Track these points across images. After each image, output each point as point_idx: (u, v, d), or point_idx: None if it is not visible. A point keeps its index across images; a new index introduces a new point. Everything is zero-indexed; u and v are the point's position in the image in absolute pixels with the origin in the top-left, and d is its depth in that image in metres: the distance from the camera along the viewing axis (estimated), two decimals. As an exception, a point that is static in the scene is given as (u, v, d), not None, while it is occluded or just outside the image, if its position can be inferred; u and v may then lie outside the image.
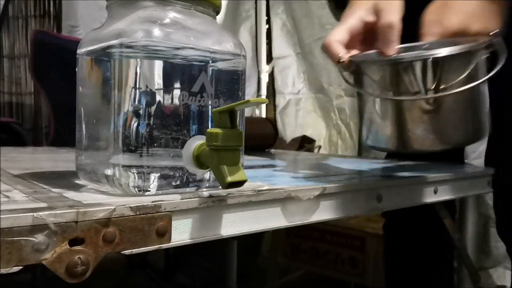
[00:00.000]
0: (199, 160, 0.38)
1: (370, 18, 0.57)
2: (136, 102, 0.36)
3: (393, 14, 0.55)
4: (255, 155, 0.96)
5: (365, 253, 1.45)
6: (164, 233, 0.35)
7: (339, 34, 0.58)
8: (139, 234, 0.34)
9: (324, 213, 0.49)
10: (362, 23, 0.58)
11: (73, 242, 0.30)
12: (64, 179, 0.47)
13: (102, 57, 0.39)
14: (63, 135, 1.50)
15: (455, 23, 0.55)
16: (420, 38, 0.56)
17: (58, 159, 0.79)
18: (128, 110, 0.36)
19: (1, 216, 0.28)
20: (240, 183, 0.37)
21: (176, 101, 0.38)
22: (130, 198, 0.35)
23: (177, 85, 0.38)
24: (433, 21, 0.56)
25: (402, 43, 0.56)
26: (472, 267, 0.80)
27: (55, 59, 1.56)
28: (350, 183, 0.53)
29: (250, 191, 0.41)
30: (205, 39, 0.40)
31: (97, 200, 0.34)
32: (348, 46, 0.59)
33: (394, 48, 0.55)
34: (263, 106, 2.43)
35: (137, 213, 0.33)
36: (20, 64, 1.95)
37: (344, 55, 0.57)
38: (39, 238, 0.29)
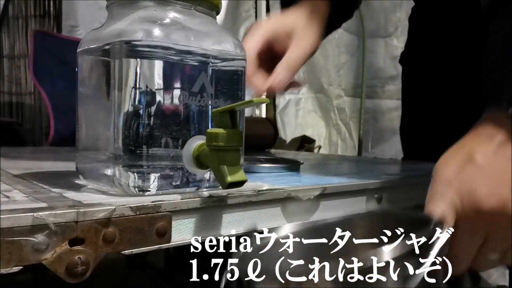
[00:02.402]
0: (199, 160, 0.38)
1: (279, 41, 0.53)
2: (136, 102, 0.36)
3: (300, 48, 0.50)
4: (255, 155, 0.96)
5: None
6: (164, 233, 0.35)
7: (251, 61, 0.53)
8: (139, 234, 0.34)
9: (324, 213, 0.48)
10: (267, 44, 0.53)
11: (73, 242, 0.30)
12: (64, 179, 0.47)
13: (102, 57, 0.39)
14: (63, 135, 1.50)
15: (491, 201, 0.34)
16: (426, 208, 0.36)
17: (58, 159, 0.79)
18: (128, 110, 0.36)
19: (1, 216, 0.28)
20: (240, 183, 0.37)
21: (176, 101, 0.38)
22: (130, 198, 0.35)
23: (177, 85, 0.38)
24: (455, 186, 0.35)
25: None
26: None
27: (55, 59, 1.56)
28: (350, 183, 0.53)
29: (250, 191, 0.41)
30: (205, 39, 0.40)
31: (97, 200, 0.34)
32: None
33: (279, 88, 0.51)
34: (263, 106, 2.43)
35: (137, 213, 0.33)
36: (20, 64, 1.95)
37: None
38: (39, 238, 0.29)
